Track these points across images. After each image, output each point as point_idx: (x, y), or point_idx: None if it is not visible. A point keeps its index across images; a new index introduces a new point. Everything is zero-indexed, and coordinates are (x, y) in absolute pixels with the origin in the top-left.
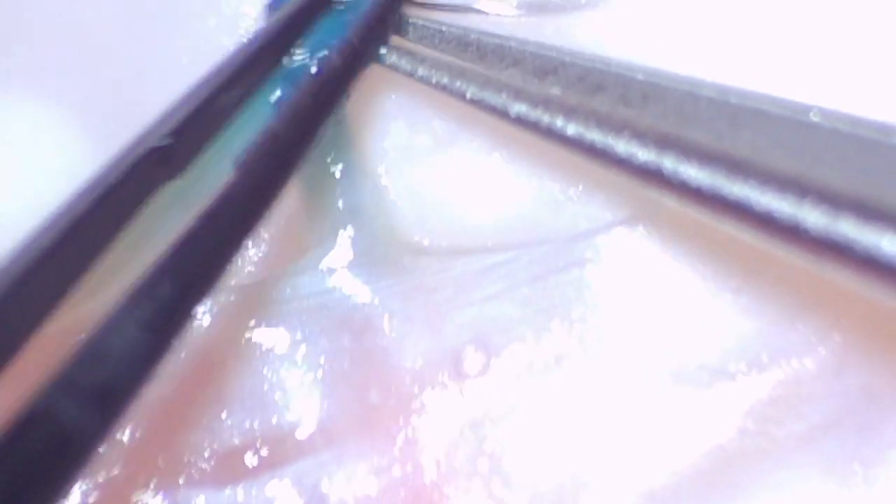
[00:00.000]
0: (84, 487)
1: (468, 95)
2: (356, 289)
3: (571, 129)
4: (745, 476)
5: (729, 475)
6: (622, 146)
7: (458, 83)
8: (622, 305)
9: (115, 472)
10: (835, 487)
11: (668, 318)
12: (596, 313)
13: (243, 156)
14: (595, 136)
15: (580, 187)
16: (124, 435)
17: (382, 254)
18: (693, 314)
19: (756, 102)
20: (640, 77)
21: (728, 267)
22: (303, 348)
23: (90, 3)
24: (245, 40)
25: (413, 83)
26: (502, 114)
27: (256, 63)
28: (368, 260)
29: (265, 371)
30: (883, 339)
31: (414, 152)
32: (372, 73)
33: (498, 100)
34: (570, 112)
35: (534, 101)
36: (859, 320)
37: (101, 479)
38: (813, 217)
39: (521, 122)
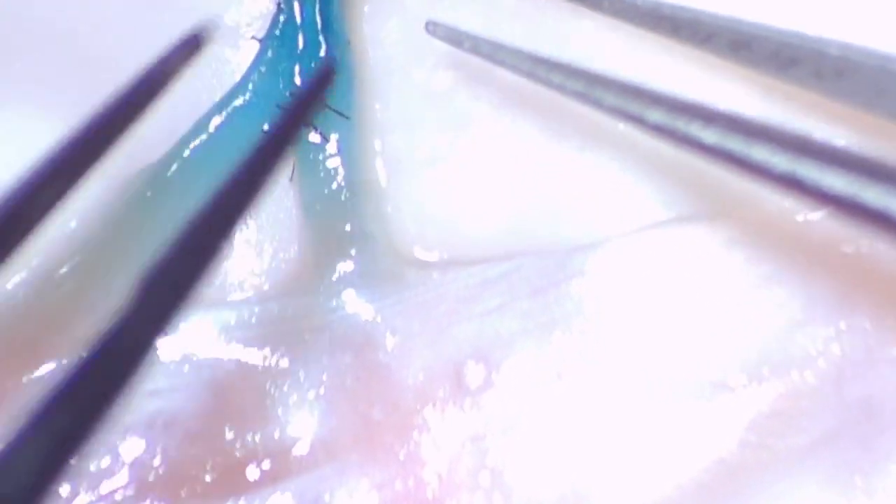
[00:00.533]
0: (86, 501)
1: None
2: (357, 306)
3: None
4: (747, 489)
5: (730, 488)
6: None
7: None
8: (623, 318)
9: (117, 484)
10: (835, 499)
11: (668, 331)
12: (596, 326)
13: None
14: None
15: (579, 199)
16: (126, 448)
17: (383, 269)
18: (694, 327)
19: None
20: (833, 51)
21: (730, 280)
22: (305, 365)
23: (86, 11)
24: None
25: (411, 86)
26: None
27: (73, 162)
28: (370, 276)
29: (268, 386)
30: (883, 352)
31: (413, 164)
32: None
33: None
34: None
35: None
36: (859, 333)
37: (103, 492)
38: None
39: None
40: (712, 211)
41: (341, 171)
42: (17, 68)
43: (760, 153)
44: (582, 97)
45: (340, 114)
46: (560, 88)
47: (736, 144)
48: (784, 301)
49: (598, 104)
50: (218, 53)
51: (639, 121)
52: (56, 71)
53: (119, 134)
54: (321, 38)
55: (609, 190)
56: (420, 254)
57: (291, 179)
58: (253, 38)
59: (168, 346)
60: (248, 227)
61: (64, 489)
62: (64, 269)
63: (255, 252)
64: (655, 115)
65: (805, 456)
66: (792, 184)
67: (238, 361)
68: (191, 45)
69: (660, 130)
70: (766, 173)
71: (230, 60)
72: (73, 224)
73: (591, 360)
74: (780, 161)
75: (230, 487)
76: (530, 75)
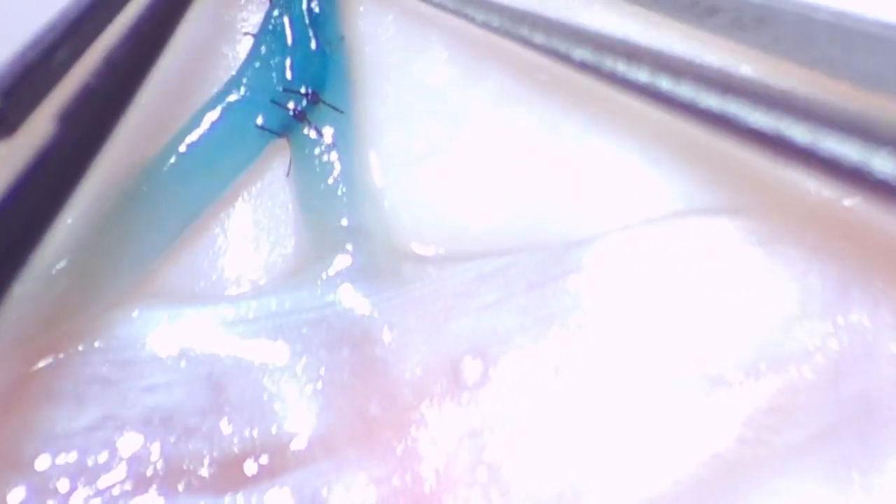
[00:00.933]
0: (84, 496)
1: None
2: (354, 300)
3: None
4: (744, 484)
5: (727, 484)
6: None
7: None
8: (620, 314)
9: (115, 479)
10: (832, 495)
11: (665, 326)
12: (594, 321)
13: (63, 111)
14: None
15: (576, 194)
16: (124, 443)
17: (381, 264)
18: (690, 322)
19: (872, 27)
20: (755, 0)
21: (726, 275)
22: (303, 359)
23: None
24: None
25: (408, 81)
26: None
27: (92, 17)
28: (367, 271)
29: (265, 381)
30: (880, 347)
31: (409, 159)
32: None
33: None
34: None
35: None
36: (857, 328)
37: (101, 487)
38: None
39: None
40: (708, 206)
41: (337, 166)
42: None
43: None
44: (555, 53)
45: (336, 108)
46: (530, 43)
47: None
48: (781, 296)
49: (568, 59)
50: (213, 49)
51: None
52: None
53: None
54: (311, 33)
55: (605, 185)
56: (417, 249)
57: (288, 174)
58: (247, 33)
59: (165, 341)
60: (244, 223)
61: (62, 484)
62: (61, 265)
63: (251, 247)
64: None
65: (802, 452)
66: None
67: (235, 356)
68: None
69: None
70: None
71: (226, 55)
72: (69, 220)
73: (588, 356)
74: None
75: (228, 482)
76: (501, 30)
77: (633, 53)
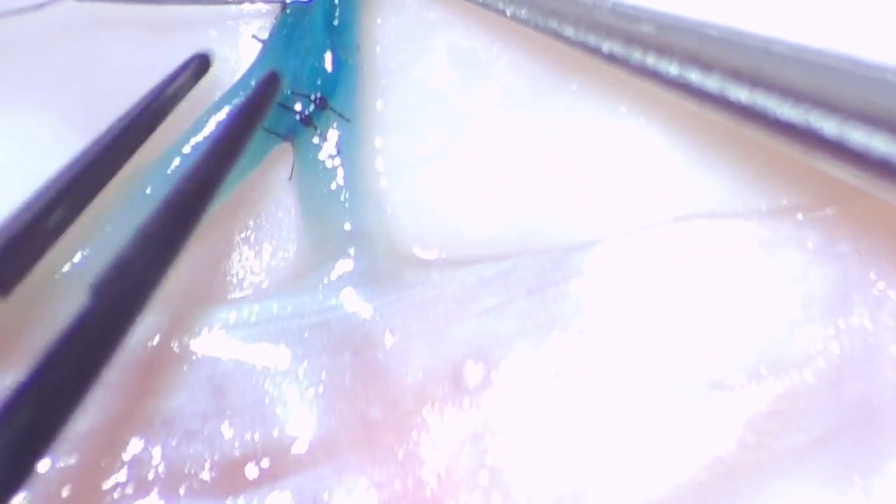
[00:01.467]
0: (85, 498)
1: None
2: (356, 305)
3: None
4: (745, 487)
5: (728, 487)
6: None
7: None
8: (621, 318)
9: (116, 482)
10: (833, 498)
11: (666, 330)
12: (595, 326)
13: (99, 281)
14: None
15: (577, 198)
16: (125, 446)
17: (382, 268)
18: (692, 326)
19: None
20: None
21: (727, 279)
22: (304, 363)
23: (86, 17)
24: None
25: (408, 85)
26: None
27: (87, 179)
28: (368, 275)
29: (267, 385)
30: (881, 351)
31: (410, 163)
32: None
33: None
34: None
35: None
36: (858, 332)
37: (102, 490)
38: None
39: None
40: (709, 210)
41: (341, 170)
42: (15, 71)
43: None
44: (584, 46)
45: (343, 116)
46: (560, 36)
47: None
48: (782, 300)
49: (598, 52)
50: (217, 52)
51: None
52: (56, 71)
53: (127, 154)
54: (328, 41)
55: (606, 190)
56: (419, 252)
57: (291, 178)
58: (253, 37)
59: (167, 344)
60: (247, 227)
61: (64, 488)
62: (64, 268)
63: (254, 251)
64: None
65: (803, 455)
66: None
67: (237, 360)
68: (198, 68)
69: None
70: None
71: (229, 59)
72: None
73: (589, 360)
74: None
75: (229, 486)
76: (531, 23)
77: (663, 47)
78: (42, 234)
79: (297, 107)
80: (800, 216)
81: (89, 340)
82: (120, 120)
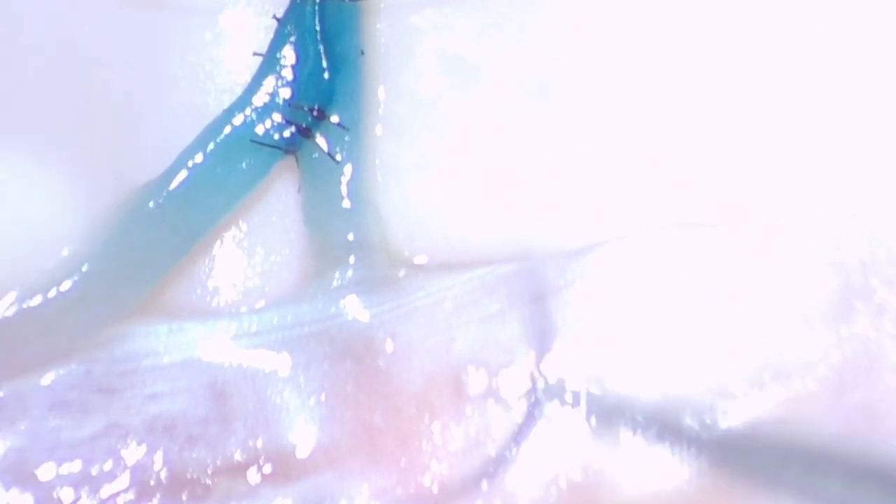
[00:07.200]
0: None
1: None
2: (357, 312)
3: None
4: (748, 495)
5: (731, 493)
6: None
7: None
8: (623, 324)
9: (119, 488)
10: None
11: (669, 337)
12: (597, 333)
13: None
14: None
15: (575, 200)
16: (128, 452)
17: (382, 276)
18: (694, 334)
19: None
20: None
21: (730, 286)
22: (306, 372)
23: (86, 54)
24: None
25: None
26: None
27: None
28: (369, 283)
29: (268, 392)
30: (883, 358)
31: (407, 169)
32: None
33: None
34: None
35: None
36: (860, 339)
37: (104, 496)
38: None
39: None
40: (711, 217)
41: (343, 181)
42: (15, 112)
43: None
44: None
45: (341, 126)
46: None
47: None
48: (784, 307)
49: None
50: (219, 66)
51: None
52: (56, 115)
53: None
54: (322, 51)
55: (598, 196)
56: (419, 259)
57: (300, 190)
58: (255, 54)
59: (169, 351)
60: (248, 237)
61: (66, 494)
62: (70, 279)
63: (256, 260)
64: None
65: (806, 462)
66: None
67: (239, 366)
68: None
69: None
70: None
71: (231, 71)
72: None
73: (591, 366)
74: None
75: (231, 492)
76: None
77: None
78: None
79: (298, 121)
80: (801, 224)
81: None
82: None
